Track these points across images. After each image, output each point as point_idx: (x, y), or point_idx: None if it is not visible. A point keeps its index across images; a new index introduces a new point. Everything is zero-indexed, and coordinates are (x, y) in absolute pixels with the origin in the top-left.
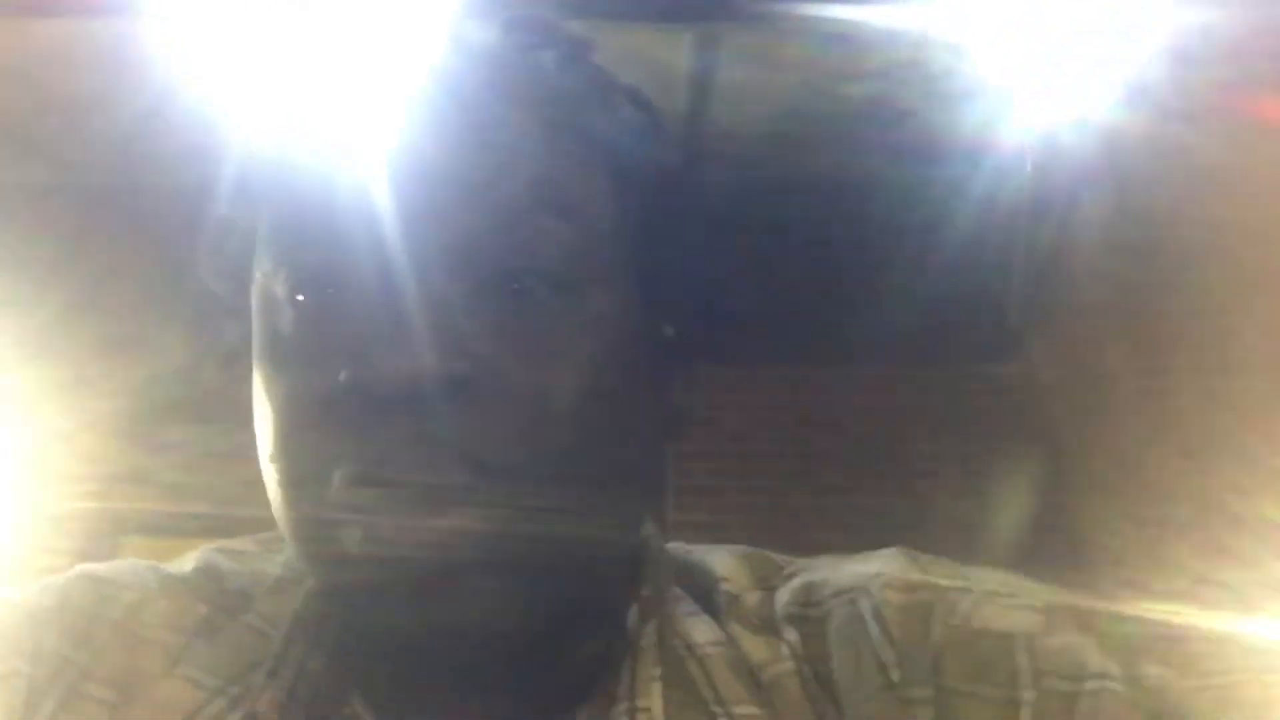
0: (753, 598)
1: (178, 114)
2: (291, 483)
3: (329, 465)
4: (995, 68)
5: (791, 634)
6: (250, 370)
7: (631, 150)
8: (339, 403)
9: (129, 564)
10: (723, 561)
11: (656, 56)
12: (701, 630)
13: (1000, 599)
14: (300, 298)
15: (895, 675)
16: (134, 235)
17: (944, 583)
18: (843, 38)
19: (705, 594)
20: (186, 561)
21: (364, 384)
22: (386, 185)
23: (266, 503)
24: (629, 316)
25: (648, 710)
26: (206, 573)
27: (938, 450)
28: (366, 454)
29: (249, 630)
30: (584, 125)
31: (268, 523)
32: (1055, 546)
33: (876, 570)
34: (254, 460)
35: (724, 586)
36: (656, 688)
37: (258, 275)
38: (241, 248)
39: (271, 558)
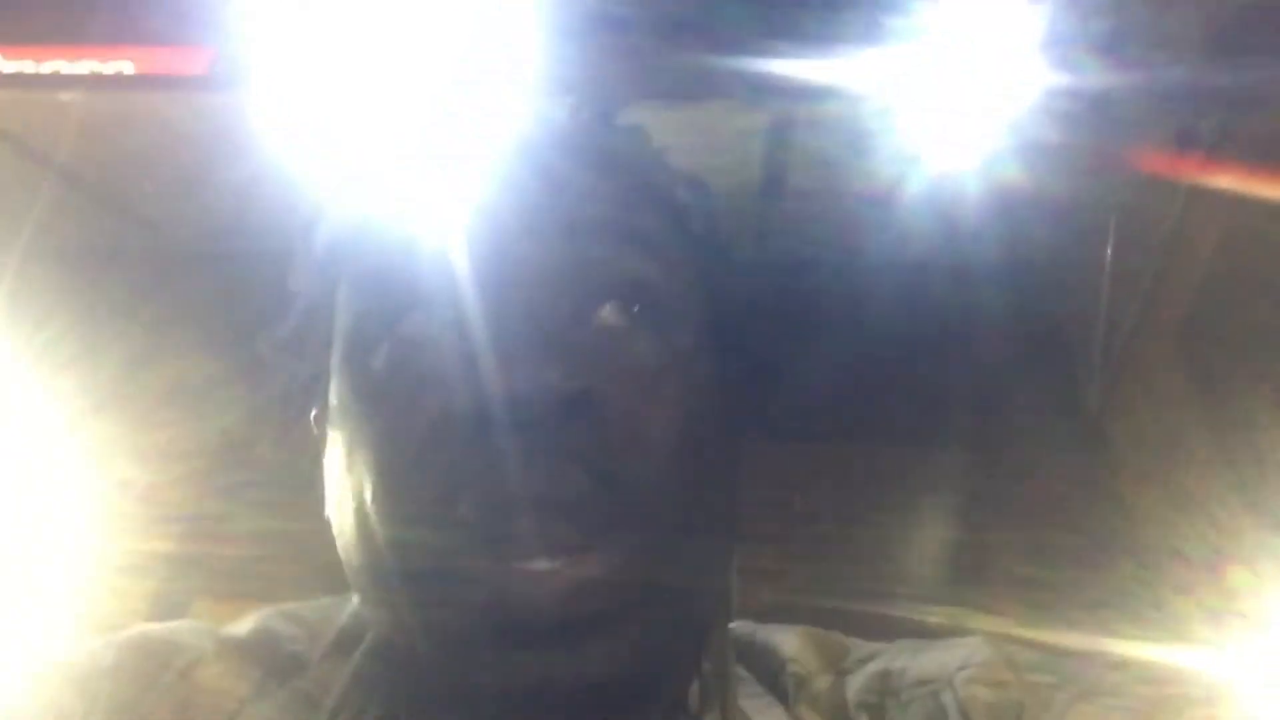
0: (823, 681)
1: (268, 185)
2: (408, 517)
3: (453, 492)
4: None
5: None
6: (309, 436)
7: (698, 219)
8: (455, 431)
9: (187, 625)
10: (789, 642)
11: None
12: (767, 715)
13: (1097, 698)
14: (403, 334)
15: None
16: (212, 295)
17: (1034, 678)
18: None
19: (771, 675)
20: (244, 624)
21: (490, 405)
22: (488, 229)
23: (327, 549)
24: (710, 367)
25: None
26: (264, 636)
27: (1009, 540)
28: (494, 474)
29: (299, 695)
30: (657, 192)
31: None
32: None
33: (961, 661)
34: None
35: (791, 668)
36: None
37: (343, 327)
38: (312, 318)
39: (330, 620)
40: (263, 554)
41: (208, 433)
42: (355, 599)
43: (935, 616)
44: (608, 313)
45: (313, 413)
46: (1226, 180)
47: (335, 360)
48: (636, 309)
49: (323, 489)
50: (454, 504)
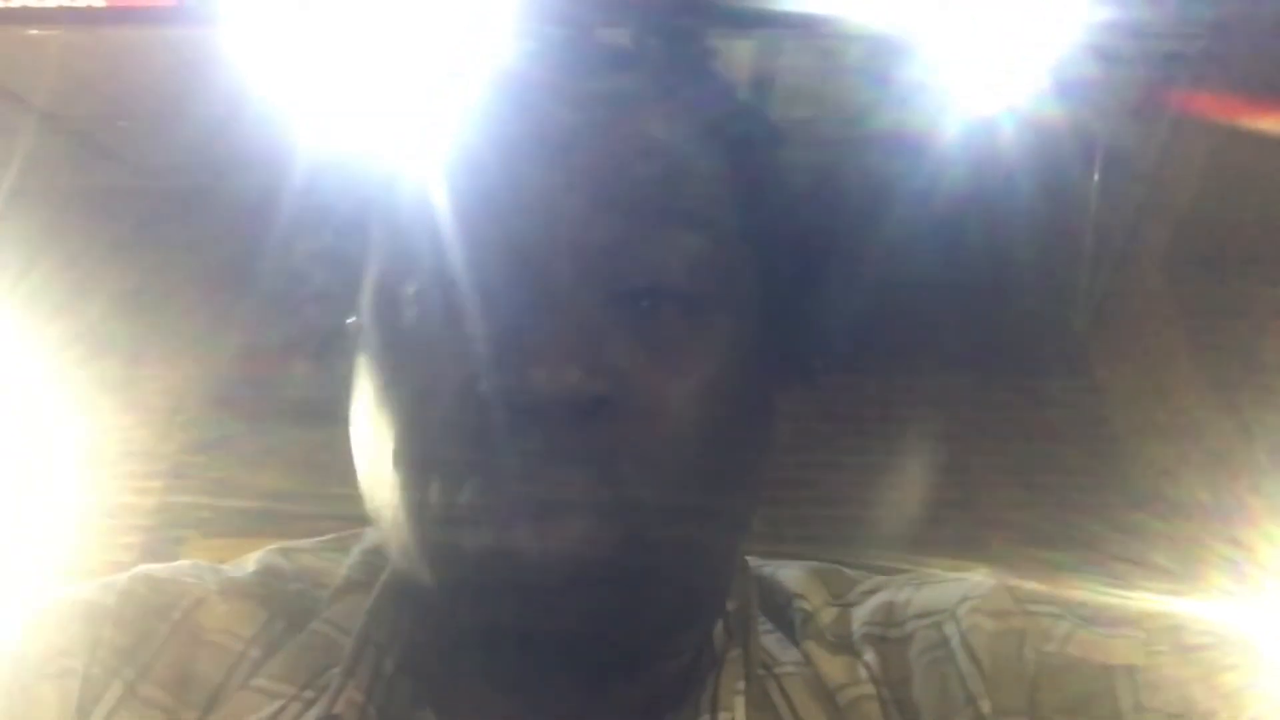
0: (828, 615)
1: (246, 121)
2: (418, 486)
3: (462, 474)
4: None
5: (870, 655)
6: (339, 359)
7: (762, 159)
8: (474, 411)
9: (190, 565)
10: (796, 577)
11: None
12: (780, 650)
13: (1098, 626)
14: (430, 300)
15: (985, 706)
16: (195, 236)
17: (1035, 608)
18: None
19: (778, 610)
20: (247, 563)
21: (505, 394)
22: (517, 183)
23: (316, 498)
24: (751, 337)
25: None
26: (267, 575)
27: (1002, 463)
28: (501, 466)
29: (318, 637)
30: (717, 134)
31: (320, 519)
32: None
33: (963, 594)
34: (299, 459)
35: (798, 603)
36: (740, 700)
37: (374, 270)
38: (346, 232)
39: (335, 558)
40: (250, 504)
41: (196, 377)
42: (361, 537)
43: (928, 566)
44: (647, 299)
45: (349, 320)
46: (1210, 109)
47: (367, 296)
48: (678, 294)
49: (350, 399)
50: (459, 487)
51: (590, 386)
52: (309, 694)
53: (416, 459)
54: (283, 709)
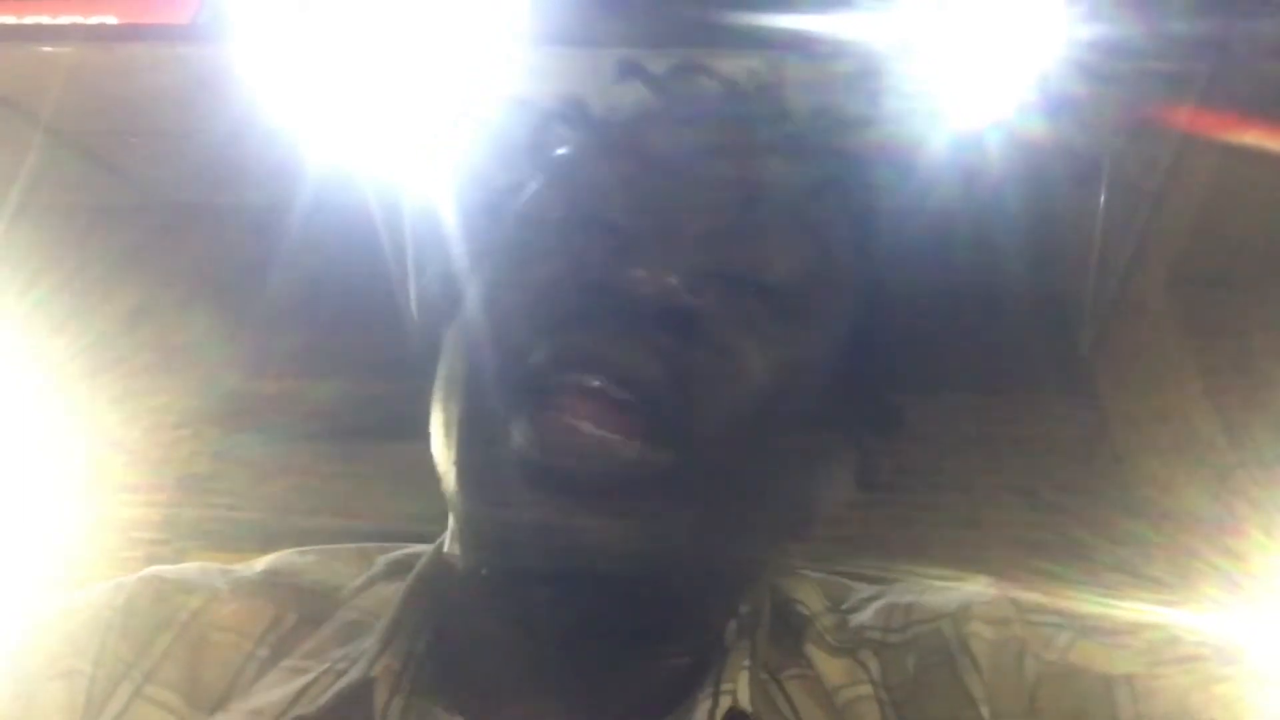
0: (828, 620)
1: (255, 138)
2: (492, 362)
3: (536, 339)
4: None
5: (870, 658)
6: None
7: (861, 200)
8: (573, 300)
9: (198, 566)
10: (794, 584)
11: None
12: (779, 653)
13: (1098, 635)
14: (551, 223)
15: (985, 711)
16: (203, 251)
17: (1036, 617)
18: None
19: (778, 616)
20: (257, 563)
21: (604, 286)
22: (652, 173)
23: (324, 513)
24: (836, 359)
25: (731, 691)
26: (277, 573)
27: (1003, 480)
28: (578, 336)
29: (348, 623)
30: (819, 173)
31: (329, 534)
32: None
33: (964, 600)
34: (307, 473)
35: (797, 609)
36: (744, 676)
37: (513, 221)
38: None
39: (352, 563)
40: (256, 517)
41: (202, 393)
42: (381, 553)
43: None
44: (748, 280)
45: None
46: (1217, 128)
47: (478, 202)
48: (778, 285)
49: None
50: (533, 350)
51: (682, 299)
52: (341, 665)
53: (500, 333)
54: (314, 681)
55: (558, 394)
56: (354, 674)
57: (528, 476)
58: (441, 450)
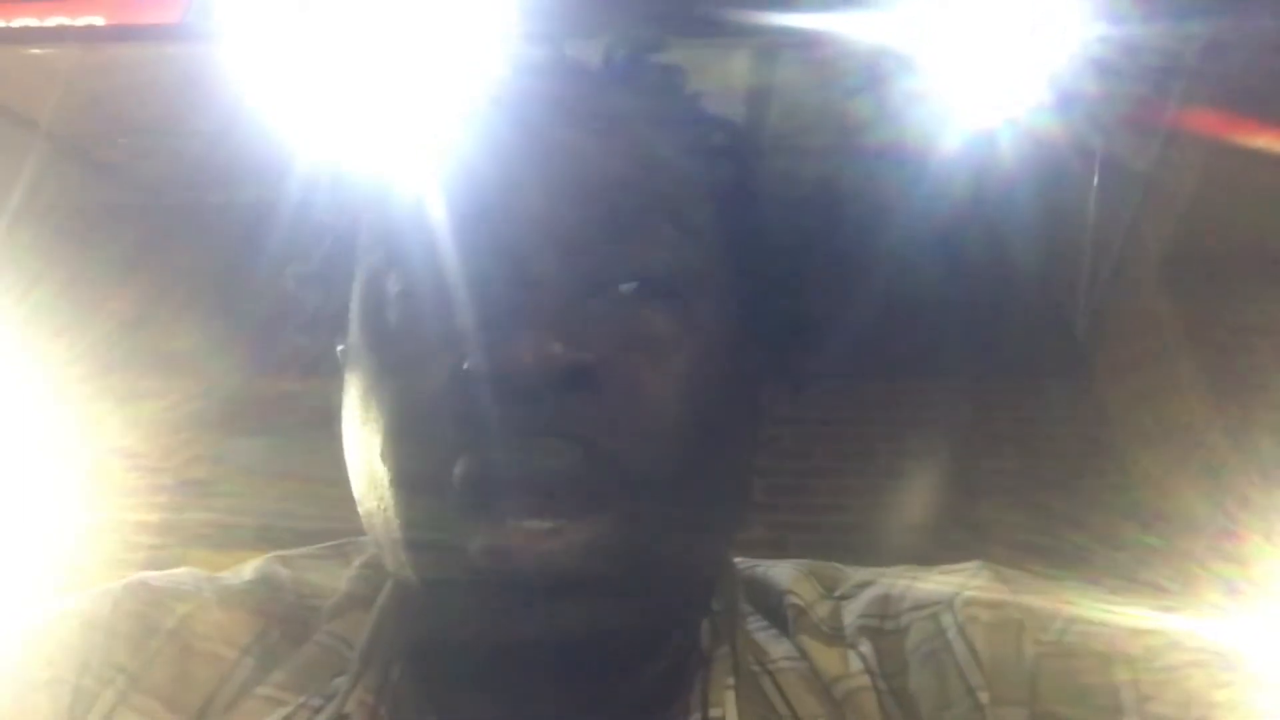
0: (822, 609)
1: (248, 137)
2: (408, 479)
3: (450, 456)
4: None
5: (865, 647)
6: (332, 377)
7: (729, 171)
8: (459, 392)
9: (186, 573)
10: (786, 575)
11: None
12: (772, 645)
13: (1094, 616)
14: (418, 295)
15: (984, 696)
16: (198, 252)
17: (1031, 599)
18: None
19: (771, 608)
20: (245, 571)
21: (490, 371)
22: (505, 186)
23: (320, 514)
24: (731, 332)
25: (720, 717)
26: (264, 584)
27: (1000, 466)
28: (488, 443)
29: (322, 649)
30: (692, 142)
31: (325, 535)
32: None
33: (959, 585)
34: (306, 472)
35: (790, 599)
36: (730, 696)
37: (362, 275)
38: (336, 252)
39: (333, 569)
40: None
41: (201, 396)
42: (362, 546)
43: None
44: (625, 283)
45: (339, 347)
46: (1207, 122)
47: (354, 304)
48: (658, 282)
49: (341, 424)
50: (450, 468)
51: (573, 357)
52: (316, 701)
53: (406, 444)
54: (290, 715)
55: (492, 510)
56: (330, 709)
57: (482, 583)
58: (367, 490)
